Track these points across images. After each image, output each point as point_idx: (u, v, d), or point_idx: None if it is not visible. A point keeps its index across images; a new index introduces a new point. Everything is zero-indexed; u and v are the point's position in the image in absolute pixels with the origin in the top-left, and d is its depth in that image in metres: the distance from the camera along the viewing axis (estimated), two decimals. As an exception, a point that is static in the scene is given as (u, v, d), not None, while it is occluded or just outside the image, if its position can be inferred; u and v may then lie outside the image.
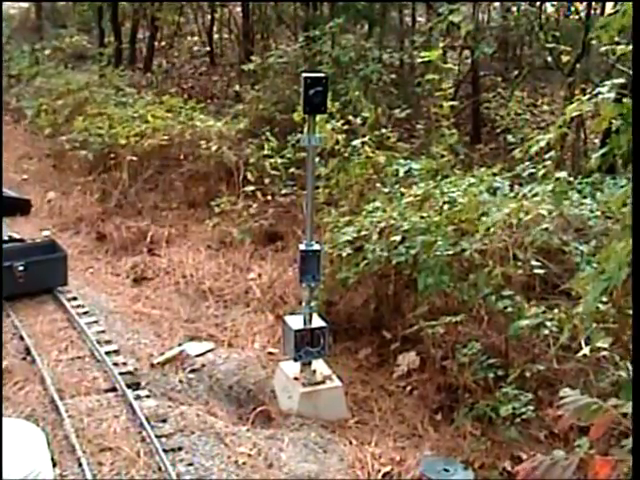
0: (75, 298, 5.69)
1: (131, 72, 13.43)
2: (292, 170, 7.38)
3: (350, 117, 7.27)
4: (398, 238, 5.30)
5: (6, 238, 6.55)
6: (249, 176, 7.64)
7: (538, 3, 10.02)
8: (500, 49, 11.04)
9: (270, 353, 5.41)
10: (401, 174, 6.48)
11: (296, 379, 4.85)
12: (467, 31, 9.07)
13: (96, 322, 5.35)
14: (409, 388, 5.07)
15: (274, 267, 6.59)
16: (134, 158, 8.14)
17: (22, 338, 5.08)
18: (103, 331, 5.23)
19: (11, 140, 11.24)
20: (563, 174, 5.02)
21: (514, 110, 8.54)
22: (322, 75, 4.65)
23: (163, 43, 16.94)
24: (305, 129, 4.86)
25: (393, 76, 9.59)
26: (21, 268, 5.57)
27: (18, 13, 21.26)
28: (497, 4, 11.45)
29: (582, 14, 9.60)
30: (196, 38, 17.56)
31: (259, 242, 7.13)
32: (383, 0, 11.26)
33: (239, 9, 15.66)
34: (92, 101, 10.17)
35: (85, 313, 5.46)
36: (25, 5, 21.13)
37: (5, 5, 22.72)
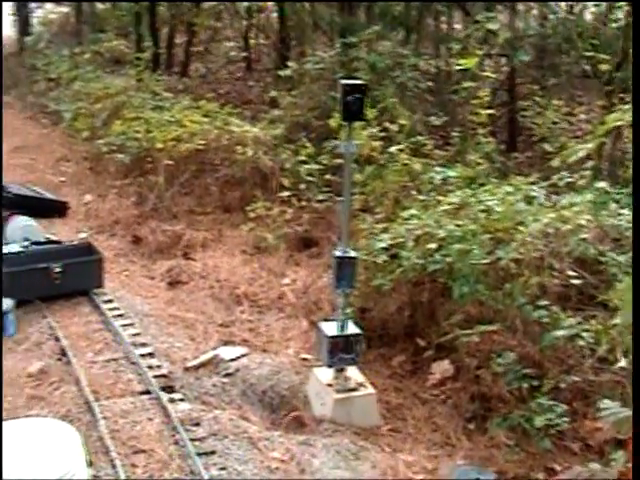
0: (110, 300, 5.71)
1: (168, 77, 13.51)
2: (327, 176, 7.40)
3: (386, 124, 7.28)
4: (434, 246, 5.29)
5: (43, 239, 6.62)
6: (284, 182, 7.67)
7: (577, 9, 10.01)
8: (537, 57, 10.98)
9: (304, 359, 5.41)
10: (437, 182, 6.48)
11: (329, 385, 4.85)
12: (504, 39, 9.06)
13: (131, 325, 5.37)
14: (442, 396, 5.05)
15: (308, 273, 6.60)
16: (170, 162, 8.17)
17: (58, 339, 5.11)
18: (138, 334, 5.25)
19: (49, 143, 11.34)
20: (603, 184, 5.00)
21: (551, 119, 8.49)
22: (361, 82, 4.64)
23: (200, 48, 17.00)
24: (342, 136, 4.87)
25: (429, 83, 9.60)
26: (57, 270, 5.60)
27: (58, 18, 21.43)
28: (535, 12, 11.41)
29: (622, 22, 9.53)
30: (232, 43, 17.61)
31: (294, 248, 7.14)
32: (421, 0, 11.24)
33: (275, 15, 15.72)
34: (129, 105, 10.23)
35: (120, 315, 5.48)
36: (65, 10, 21.29)
37: (45, 10, 22.97)
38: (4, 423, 3.65)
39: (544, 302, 4.73)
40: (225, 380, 5.00)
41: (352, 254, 4.73)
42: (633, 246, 4.61)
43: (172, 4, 16.29)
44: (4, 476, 3.07)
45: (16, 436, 3.40)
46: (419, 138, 7.16)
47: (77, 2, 19.70)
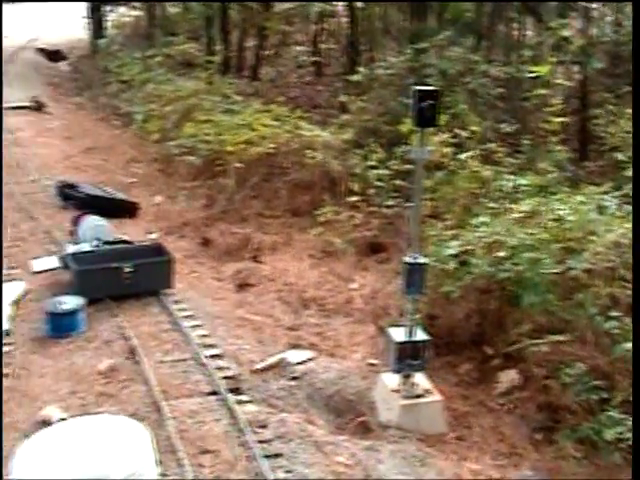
0: (179, 301, 5.76)
1: (238, 80, 13.60)
2: (397, 182, 7.38)
3: (457, 130, 7.25)
4: (504, 254, 5.26)
5: (114, 239, 6.70)
6: (353, 186, 7.67)
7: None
8: (611, 64, 10.85)
9: (370, 364, 5.40)
10: (507, 189, 6.44)
11: (396, 391, 4.83)
12: (578, 46, 8.97)
13: (199, 326, 5.40)
14: (509, 406, 5.02)
15: (376, 278, 6.60)
16: (240, 165, 8.23)
17: (127, 338, 5.16)
18: (206, 335, 5.29)
19: (120, 144, 11.48)
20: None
21: (624, 128, 8.37)
22: (434, 88, 4.63)
23: (270, 52, 17.08)
24: (414, 141, 4.86)
25: (500, 90, 9.53)
26: (128, 269, 5.66)
27: (130, 21, 21.71)
28: (609, 18, 11.28)
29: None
30: (302, 48, 17.67)
31: (362, 253, 7.14)
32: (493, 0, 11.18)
33: (346, 20, 15.75)
34: (200, 108, 10.33)
35: (189, 316, 5.52)
36: (137, 13, 21.55)
37: (118, 13, 23.25)
38: (76, 419, 3.72)
39: (615, 313, 4.67)
40: (292, 383, 5.01)
41: (422, 260, 4.71)
42: (633, 247, 4.54)
43: (243, 8, 16.38)
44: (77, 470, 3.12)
45: (87, 432, 3.45)
46: (490, 145, 7.12)
47: (150, 1, 19.88)
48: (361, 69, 10.45)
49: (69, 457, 3.26)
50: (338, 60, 16.50)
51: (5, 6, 35.33)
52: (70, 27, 26.83)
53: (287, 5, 17.02)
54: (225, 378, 4.80)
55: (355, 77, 10.17)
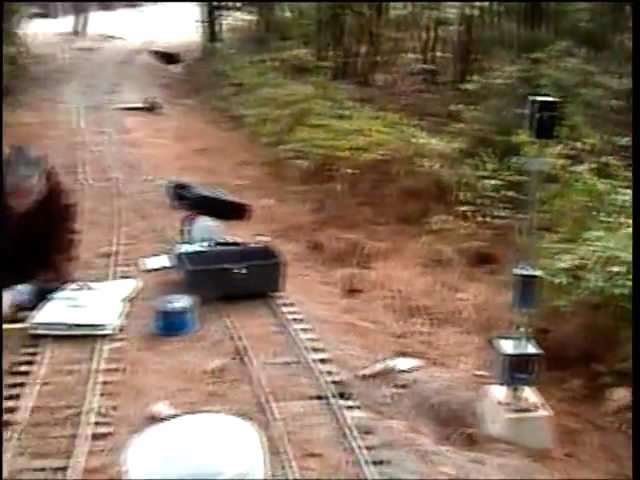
0: (288, 304, 5.79)
1: (349, 86, 13.65)
2: (508, 193, 7.32)
3: (573, 142, 7.15)
4: (618, 269, 5.17)
5: (225, 240, 6.79)
6: (464, 196, 7.63)
7: None
8: None
9: (477, 375, 5.35)
10: (622, 203, 6.31)
11: (503, 404, 4.77)
12: None
13: (307, 329, 5.42)
14: (620, 425, 4.92)
15: (485, 289, 6.54)
16: (351, 171, 8.26)
17: (236, 339, 5.20)
18: (314, 339, 5.30)
19: (231, 146, 11.62)
20: None
21: None
22: (553, 99, 4.57)
23: (382, 58, 17.11)
24: (530, 153, 4.81)
25: (616, 102, 9.37)
26: (239, 271, 5.72)
27: (244, 25, 22.00)
28: None
29: None
30: (414, 55, 17.65)
31: (471, 263, 7.09)
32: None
33: (458, 27, 15.68)
34: (312, 112, 10.40)
35: (297, 320, 5.54)
36: (251, 18, 21.82)
37: (233, 17, 23.56)
38: (187, 417, 3.77)
39: None
40: (398, 391, 4.98)
41: (534, 273, 4.65)
42: (633, 245, 4.40)
43: (356, 14, 16.45)
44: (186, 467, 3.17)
45: (198, 430, 3.50)
46: (606, 158, 7.00)
47: (265, 0, 20.10)
48: (474, 77, 10.40)
49: (180, 454, 3.31)
50: (449, 68, 16.43)
51: (124, 10, 36.23)
52: (184, 30, 27.31)
53: (400, 12, 17.03)
54: (332, 382, 4.80)
55: (468, 85, 10.12)
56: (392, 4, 17.30)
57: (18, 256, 5.80)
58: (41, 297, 5.65)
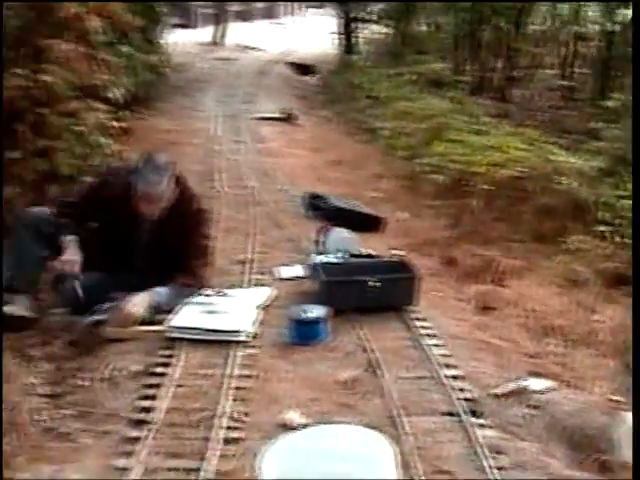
0: (421, 319, 5.75)
1: (486, 101, 13.57)
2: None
3: None
4: None
5: (360, 253, 6.81)
6: (602, 215, 7.48)
7: None
8: None
9: (612, 400, 5.21)
10: None
11: None
12: None
13: (440, 345, 5.38)
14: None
15: (622, 311, 6.38)
16: (487, 187, 8.19)
17: (369, 351, 5.20)
18: (446, 355, 5.25)
19: (365, 159, 11.65)
20: None
21: None
22: None
23: (519, 74, 16.95)
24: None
25: None
26: (374, 284, 5.72)
27: (380, 38, 22.10)
28: None
29: None
30: (552, 71, 17.43)
31: (608, 284, 6.93)
32: None
33: (597, 43, 15.40)
34: (448, 127, 10.36)
35: (430, 335, 5.50)
36: (387, 31, 21.91)
37: (369, 30, 23.69)
38: (321, 426, 3.79)
39: None
40: (531, 412, 4.89)
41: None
42: (633, 246, 4.17)
43: (494, 29, 16.34)
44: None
45: (331, 440, 3.51)
46: None
47: None
48: (614, 95, 10.19)
49: (315, 463, 3.33)
50: (588, 85, 16.14)
51: (262, 21, 36.78)
52: (321, 43, 27.56)
53: (538, 27, 16.84)
54: (463, 400, 4.75)
55: (608, 103, 9.92)
56: (531, 19, 17.11)
57: (154, 260, 5.96)
58: (178, 301, 5.77)
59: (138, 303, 5.59)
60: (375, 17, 23.31)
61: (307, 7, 44.03)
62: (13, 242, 6.09)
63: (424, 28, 21.82)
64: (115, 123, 8.50)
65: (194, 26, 33.24)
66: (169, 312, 5.64)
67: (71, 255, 5.79)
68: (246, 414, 4.40)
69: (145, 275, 5.93)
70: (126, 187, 5.79)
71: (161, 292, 5.77)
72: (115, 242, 6.02)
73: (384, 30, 22.90)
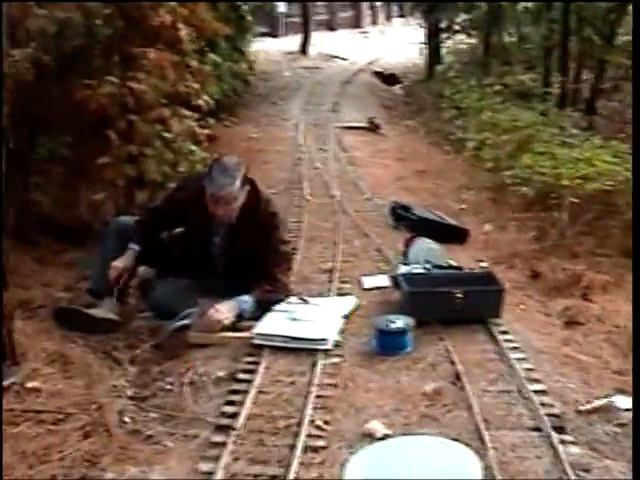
0: (505, 332, 5.70)
1: (574, 113, 13.41)
2: None
3: None
4: None
5: (444, 264, 6.78)
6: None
7: None
8: None
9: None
10: None
11: None
12: None
13: (524, 359, 5.31)
14: None
15: None
16: (574, 200, 8.10)
17: (453, 363, 5.17)
18: (531, 369, 5.19)
19: (451, 170, 11.62)
20: None
21: None
22: None
23: (607, 86, 16.70)
24: None
25: None
26: (459, 295, 5.69)
27: (466, 49, 22.03)
28: None
29: None
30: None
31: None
32: None
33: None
34: (536, 139, 10.26)
35: (514, 348, 5.44)
36: (473, 41, 21.82)
37: (455, 40, 23.59)
38: (402, 438, 3.78)
39: None
40: (618, 430, 4.80)
41: None
42: (633, 244, 4.01)
43: (583, 40, 16.14)
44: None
45: (417, 451, 3.50)
46: None
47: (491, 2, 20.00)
48: None
49: (399, 474, 3.32)
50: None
51: (348, 31, 36.92)
52: (407, 52, 27.57)
53: (629, 37, 16.58)
54: (549, 415, 4.69)
55: None
56: (622, 30, 16.86)
57: (234, 265, 6.06)
58: (262, 309, 5.83)
59: (224, 310, 5.66)
60: (461, 27, 23.21)
61: (392, 17, 44.05)
62: (100, 248, 6.28)
63: (510, 39, 21.65)
64: (202, 130, 8.61)
65: (280, 35, 33.50)
66: (255, 319, 5.72)
67: (120, 262, 5.97)
68: (329, 423, 4.41)
69: (228, 281, 6.03)
70: (200, 192, 5.87)
71: (246, 300, 5.83)
72: (195, 247, 6.15)
73: (469, 40, 22.80)
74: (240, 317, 5.78)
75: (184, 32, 7.86)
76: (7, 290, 4.73)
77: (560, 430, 4.67)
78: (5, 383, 4.60)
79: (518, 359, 5.30)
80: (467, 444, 4.31)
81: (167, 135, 7.99)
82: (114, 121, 7.53)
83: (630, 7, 13.71)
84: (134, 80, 7.43)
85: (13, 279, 4.85)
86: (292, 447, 4.14)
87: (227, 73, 15.66)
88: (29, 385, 4.68)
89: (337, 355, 5.29)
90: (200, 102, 8.14)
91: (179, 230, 6.39)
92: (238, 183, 5.81)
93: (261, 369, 5.06)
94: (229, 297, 5.80)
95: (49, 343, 5.35)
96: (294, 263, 7.10)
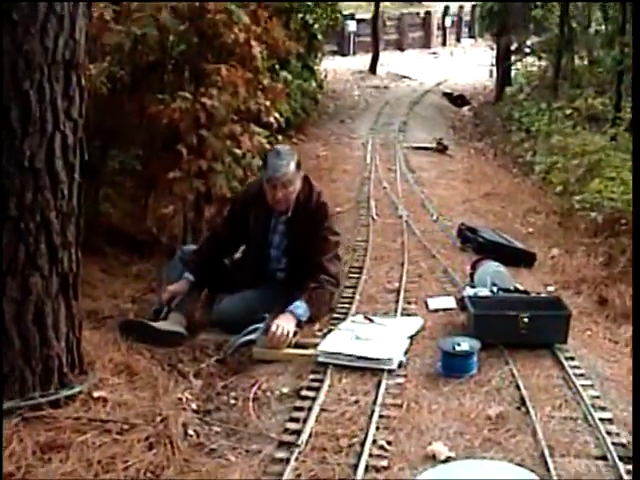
0: (572, 358, 5.63)
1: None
2: None
3: None
4: None
5: (511, 287, 6.73)
6: None
7: None
8: None
9: None
10: None
11: None
12: None
13: (591, 386, 5.25)
14: None
15: None
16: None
17: (518, 387, 5.13)
18: (597, 396, 5.12)
19: (519, 193, 11.56)
20: None
21: None
22: None
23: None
24: None
25: None
26: (525, 319, 5.65)
27: (536, 71, 21.91)
28: None
29: None
30: None
31: None
32: None
33: None
34: (606, 164, 10.17)
35: (581, 375, 5.38)
36: (543, 63, 21.67)
37: (525, 62, 23.49)
38: (466, 461, 3.76)
39: None
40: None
41: None
42: (633, 242, 3.88)
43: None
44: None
45: (482, 475, 3.48)
46: None
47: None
48: None
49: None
50: None
51: (417, 51, 37.01)
52: (476, 74, 27.52)
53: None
54: (615, 444, 4.61)
55: None
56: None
57: (294, 265, 6.41)
58: (315, 307, 6.15)
59: (284, 324, 5.72)
60: (531, 49, 23.10)
61: (462, 37, 43.98)
62: (165, 274, 6.66)
63: (580, 62, 21.47)
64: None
65: (350, 53, 33.62)
66: (310, 321, 6.03)
67: (173, 287, 6.24)
68: (392, 443, 4.40)
69: (289, 289, 6.23)
70: (259, 190, 6.30)
71: (298, 306, 5.96)
72: (255, 251, 6.47)
73: (540, 63, 22.67)
74: (299, 323, 5.93)
75: (257, 50, 7.93)
76: (77, 300, 4.79)
77: (627, 460, 4.61)
78: (72, 392, 4.66)
79: (584, 386, 5.23)
80: (531, 470, 4.28)
81: (237, 151, 8.07)
82: (185, 136, 7.62)
83: None
84: (206, 96, 7.51)
85: (81, 289, 4.91)
86: (354, 466, 4.15)
87: (297, 91, 15.77)
88: (96, 394, 4.74)
89: (401, 375, 5.28)
90: (270, 119, 8.19)
91: (239, 256, 6.79)
92: (293, 166, 6.11)
93: (325, 387, 5.07)
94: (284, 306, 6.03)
95: (116, 354, 5.42)
96: (359, 282, 7.15)
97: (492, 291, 6.47)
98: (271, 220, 6.36)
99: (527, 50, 23.25)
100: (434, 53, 39.19)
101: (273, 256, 6.42)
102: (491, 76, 25.44)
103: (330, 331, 5.91)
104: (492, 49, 25.49)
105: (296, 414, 4.74)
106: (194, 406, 5.01)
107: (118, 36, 7.44)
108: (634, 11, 4.21)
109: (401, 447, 4.38)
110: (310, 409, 4.78)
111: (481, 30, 33.96)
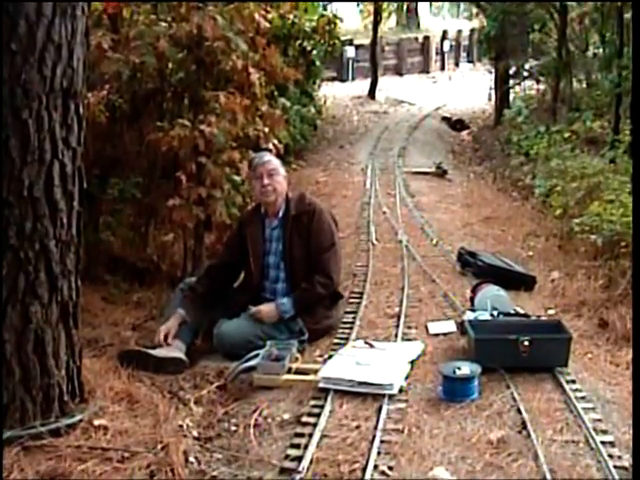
0: (573, 381, 5.63)
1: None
2: None
3: None
4: None
5: (511, 311, 6.74)
6: None
7: None
8: None
9: None
10: None
11: None
12: None
13: (592, 409, 5.24)
14: None
15: None
16: (644, 247, 8.00)
17: (519, 411, 5.12)
18: (599, 419, 5.12)
19: (519, 216, 11.57)
20: None
21: None
22: None
23: None
24: None
25: None
26: (526, 343, 5.65)
27: (534, 95, 21.99)
28: None
29: None
30: None
31: None
32: None
33: None
34: (606, 187, 10.18)
35: (582, 398, 5.37)
36: (542, 87, 21.75)
37: (524, 85, 23.58)
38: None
39: None
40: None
41: None
42: (633, 264, 3.90)
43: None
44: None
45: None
46: None
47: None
48: None
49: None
50: None
51: (415, 76, 37.14)
52: (475, 98, 27.60)
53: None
54: (617, 468, 4.60)
55: None
56: None
57: (293, 275, 6.56)
58: (300, 306, 6.39)
59: (266, 311, 6.20)
60: (530, 73, 23.18)
61: (461, 62, 44.12)
62: (167, 307, 6.74)
63: (579, 85, 21.53)
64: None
65: (348, 79, 33.72)
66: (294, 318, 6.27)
67: (165, 327, 6.30)
68: (394, 468, 4.40)
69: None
70: (254, 209, 6.79)
71: (285, 303, 6.37)
72: (255, 264, 6.57)
73: (538, 86, 22.74)
74: (281, 319, 6.25)
75: (255, 76, 7.97)
76: (77, 328, 4.80)
77: (630, 484, 4.62)
78: (73, 420, 4.66)
79: (585, 409, 5.23)
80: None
81: (236, 178, 8.11)
82: (184, 163, 7.66)
83: None
84: (205, 123, 7.55)
85: (82, 317, 4.93)
86: (355, 492, 4.15)
87: (296, 117, 15.83)
88: (96, 423, 4.74)
89: (403, 400, 5.28)
90: (269, 146, 8.22)
91: (235, 285, 6.89)
92: (277, 160, 6.61)
93: (326, 413, 5.07)
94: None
95: (116, 382, 5.42)
96: (359, 307, 7.15)
97: (492, 315, 6.48)
98: (265, 230, 6.57)
99: (525, 74, 23.31)
100: (433, 78, 39.32)
101: (272, 263, 6.55)
102: (490, 100, 25.51)
103: (331, 357, 5.92)
104: (490, 73, 25.57)
105: (297, 440, 4.74)
106: (195, 433, 5.00)
107: (116, 64, 7.48)
108: (634, 11, 4.24)
109: (403, 472, 4.38)
110: (311, 435, 4.77)
111: (479, 54, 34.07)
